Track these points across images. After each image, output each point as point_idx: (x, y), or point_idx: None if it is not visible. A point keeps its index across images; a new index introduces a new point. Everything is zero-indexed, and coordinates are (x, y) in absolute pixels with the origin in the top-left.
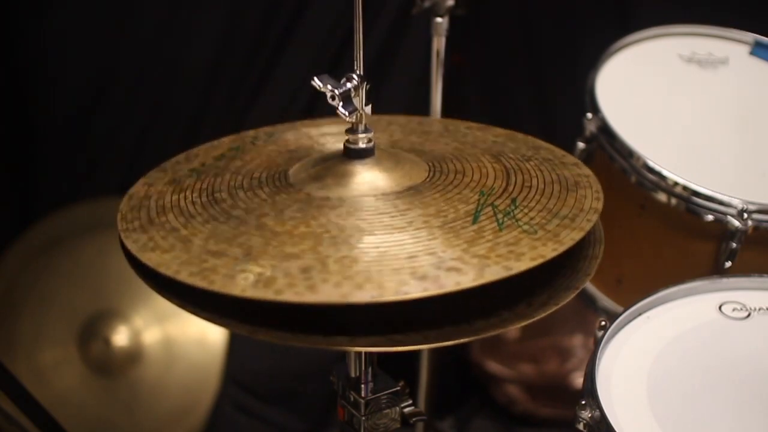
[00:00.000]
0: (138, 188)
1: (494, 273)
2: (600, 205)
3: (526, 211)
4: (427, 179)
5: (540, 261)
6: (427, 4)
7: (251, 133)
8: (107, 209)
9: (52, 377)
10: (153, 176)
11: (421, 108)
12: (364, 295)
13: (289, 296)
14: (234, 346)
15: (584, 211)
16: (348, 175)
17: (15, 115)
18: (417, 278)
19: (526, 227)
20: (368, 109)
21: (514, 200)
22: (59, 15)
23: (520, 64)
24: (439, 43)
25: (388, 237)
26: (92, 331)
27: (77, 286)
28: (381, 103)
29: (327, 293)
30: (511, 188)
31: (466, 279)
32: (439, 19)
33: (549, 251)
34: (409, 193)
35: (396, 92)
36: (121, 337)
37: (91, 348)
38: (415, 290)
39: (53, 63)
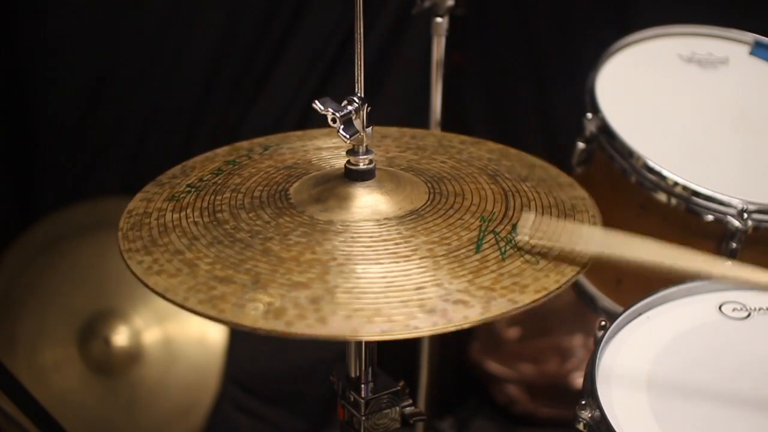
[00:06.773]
0: (136, 204)
1: (500, 306)
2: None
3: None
4: (428, 202)
5: (544, 293)
6: (427, 4)
7: (245, 144)
8: (107, 209)
9: (52, 377)
10: (150, 191)
11: (421, 109)
12: (374, 329)
13: (301, 329)
14: (234, 346)
15: None
16: (350, 198)
17: (15, 114)
18: (425, 312)
19: (528, 257)
20: (369, 130)
21: (514, 227)
22: (59, 15)
23: (520, 64)
24: (439, 43)
25: (394, 266)
26: (92, 331)
27: (77, 286)
28: (381, 103)
29: (338, 326)
30: (510, 213)
31: (474, 312)
32: (439, 19)
33: (552, 283)
34: (412, 218)
35: (396, 93)
36: (121, 337)
37: (91, 348)
38: (424, 324)
39: (53, 63)
